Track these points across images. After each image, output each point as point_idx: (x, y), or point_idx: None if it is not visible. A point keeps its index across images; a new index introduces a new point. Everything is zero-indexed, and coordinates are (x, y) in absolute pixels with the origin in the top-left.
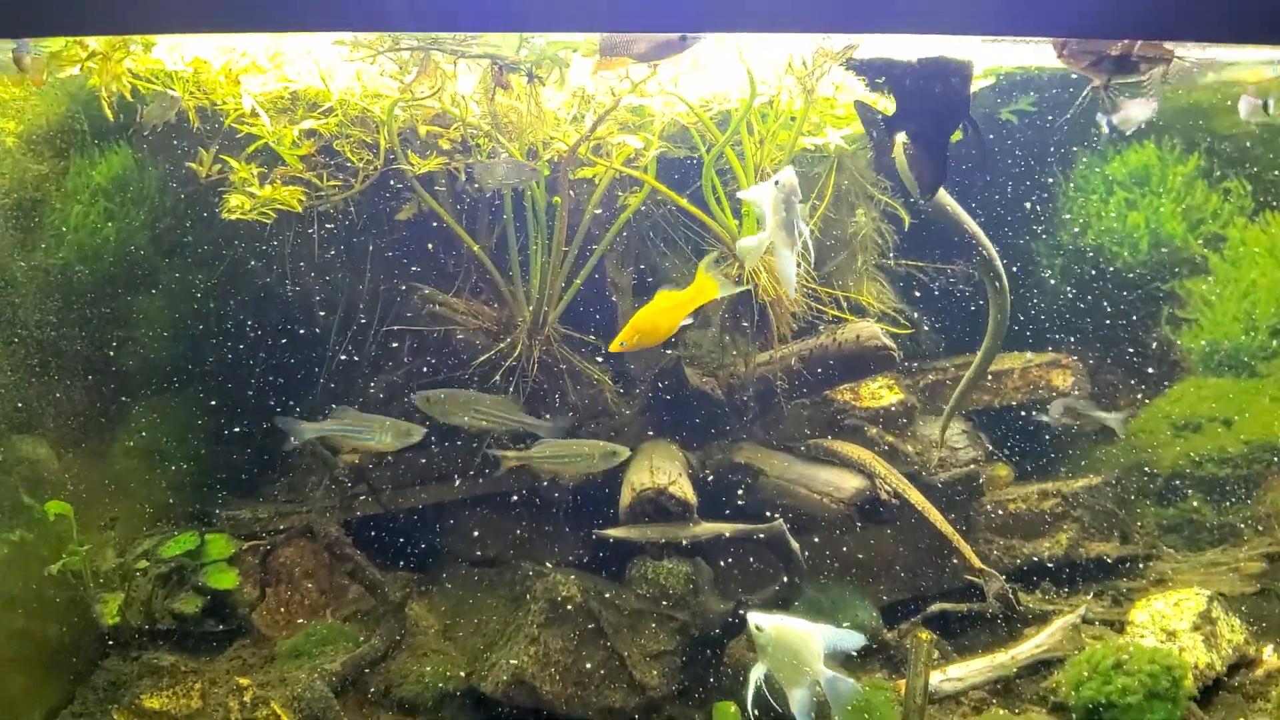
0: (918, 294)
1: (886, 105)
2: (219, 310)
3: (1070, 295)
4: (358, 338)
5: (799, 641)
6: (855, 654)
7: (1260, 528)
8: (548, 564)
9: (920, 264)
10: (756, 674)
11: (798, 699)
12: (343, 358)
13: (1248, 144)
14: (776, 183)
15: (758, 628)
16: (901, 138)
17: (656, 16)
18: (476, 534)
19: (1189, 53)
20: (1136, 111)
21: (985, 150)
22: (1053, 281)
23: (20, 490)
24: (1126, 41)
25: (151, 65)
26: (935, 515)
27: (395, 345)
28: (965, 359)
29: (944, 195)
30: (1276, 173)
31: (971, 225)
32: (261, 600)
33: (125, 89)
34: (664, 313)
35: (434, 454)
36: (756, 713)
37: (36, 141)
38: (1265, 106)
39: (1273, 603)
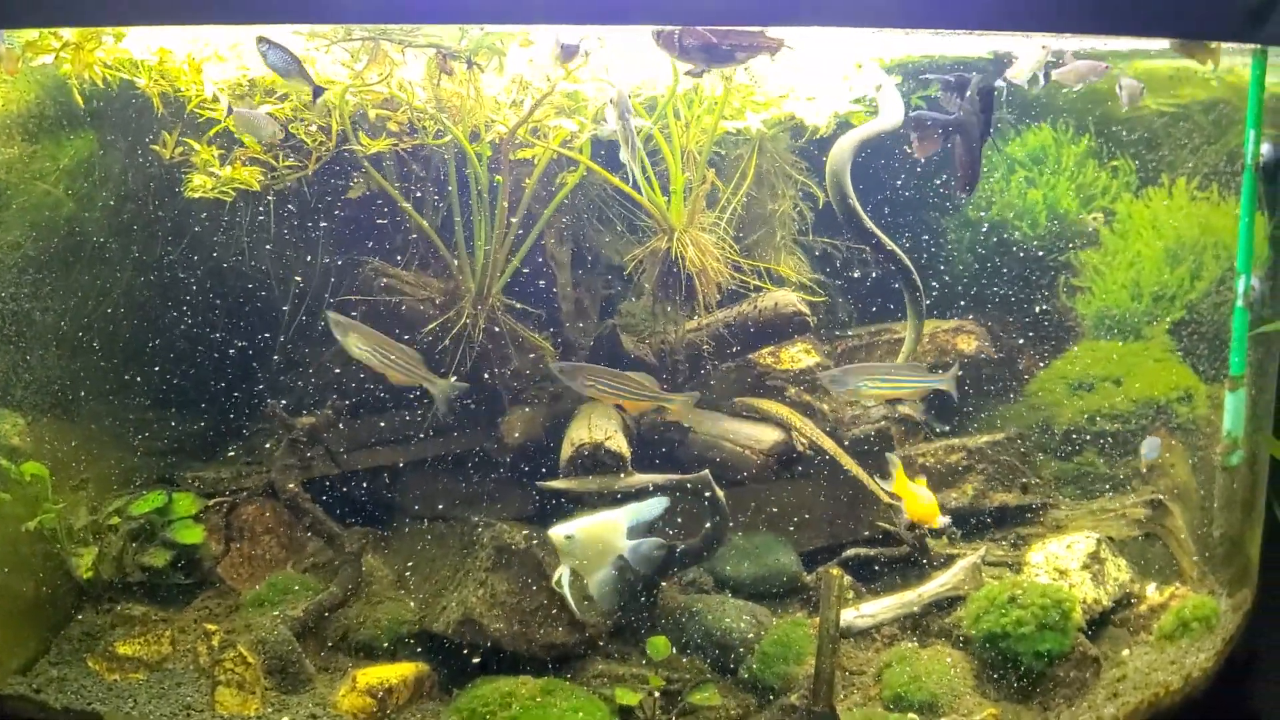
0: (857, 272)
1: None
2: (181, 284)
3: (976, 266)
4: (312, 308)
5: (605, 532)
6: (777, 593)
7: (1145, 478)
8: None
9: (834, 241)
10: (564, 578)
11: (598, 581)
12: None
13: (1131, 125)
14: (611, 100)
15: (567, 537)
16: None
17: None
18: (428, 491)
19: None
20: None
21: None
22: (959, 254)
23: None
24: (713, 30)
25: (120, 55)
26: (846, 459)
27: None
28: (877, 327)
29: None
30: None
31: (890, 244)
32: (226, 554)
33: (97, 77)
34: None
35: (389, 417)
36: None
37: (7, 127)
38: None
39: (1155, 545)
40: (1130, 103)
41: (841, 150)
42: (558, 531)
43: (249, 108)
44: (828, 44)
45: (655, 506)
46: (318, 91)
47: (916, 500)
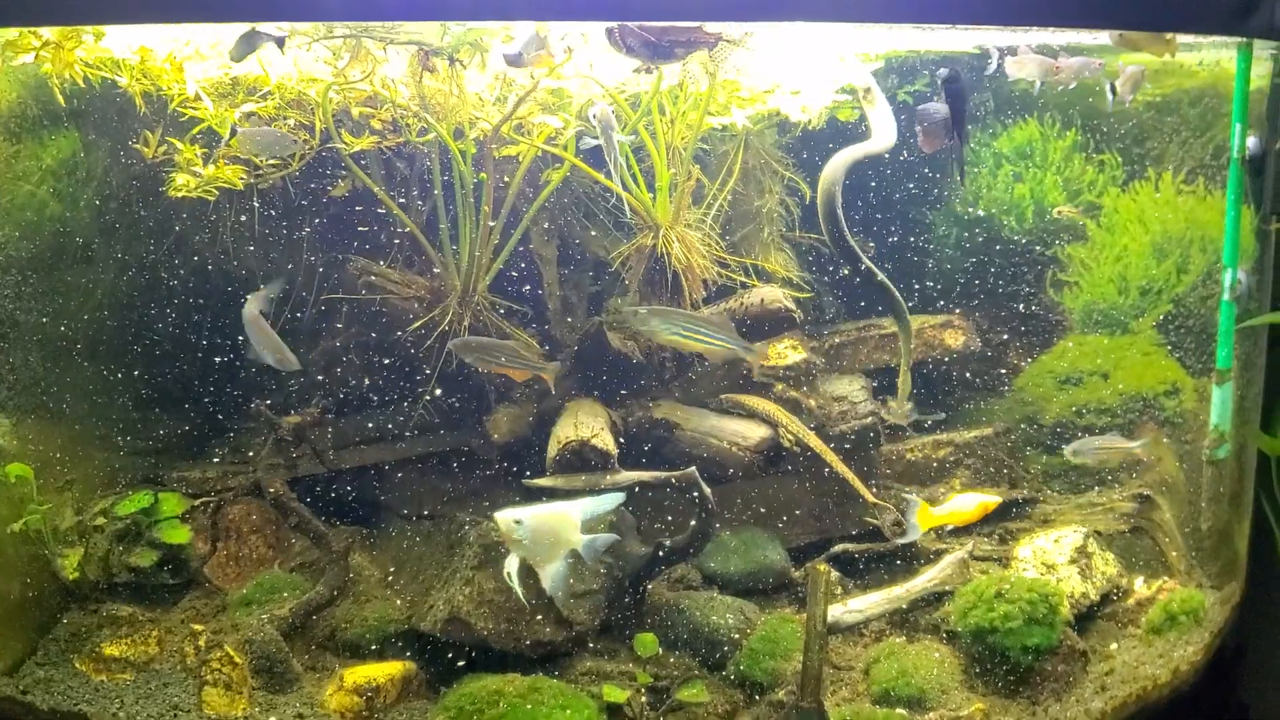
0: (846, 273)
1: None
2: (165, 283)
3: (963, 261)
4: (297, 306)
5: (557, 523)
6: (765, 589)
7: (1133, 472)
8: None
9: (821, 237)
10: (511, 567)
11: (551, 574)
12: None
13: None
14: (594, 115)
15: (516, 521)
16: None
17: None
18: (415, 490)
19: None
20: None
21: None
22: (946, 249)
23: None
24: (658, 27)
25: (101, 54)
26: (831, 456)
27: (333, 313)
28: (865, 322)
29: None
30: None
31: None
32: (212, 554)
33: (78, 76)
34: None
35: (375, 416)
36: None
37: None
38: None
39: (1143, 539)
40: (1133, 89)
41: (834, 170)
42: (505, 515)
43: (237, 107)
44: (811, 38)
45: (609, 501)
46: (280, 40)
47: (960, 515)
